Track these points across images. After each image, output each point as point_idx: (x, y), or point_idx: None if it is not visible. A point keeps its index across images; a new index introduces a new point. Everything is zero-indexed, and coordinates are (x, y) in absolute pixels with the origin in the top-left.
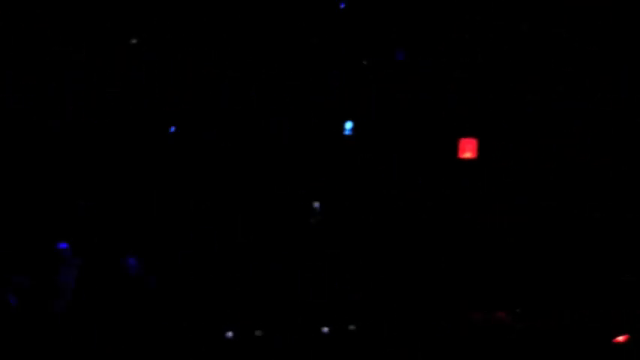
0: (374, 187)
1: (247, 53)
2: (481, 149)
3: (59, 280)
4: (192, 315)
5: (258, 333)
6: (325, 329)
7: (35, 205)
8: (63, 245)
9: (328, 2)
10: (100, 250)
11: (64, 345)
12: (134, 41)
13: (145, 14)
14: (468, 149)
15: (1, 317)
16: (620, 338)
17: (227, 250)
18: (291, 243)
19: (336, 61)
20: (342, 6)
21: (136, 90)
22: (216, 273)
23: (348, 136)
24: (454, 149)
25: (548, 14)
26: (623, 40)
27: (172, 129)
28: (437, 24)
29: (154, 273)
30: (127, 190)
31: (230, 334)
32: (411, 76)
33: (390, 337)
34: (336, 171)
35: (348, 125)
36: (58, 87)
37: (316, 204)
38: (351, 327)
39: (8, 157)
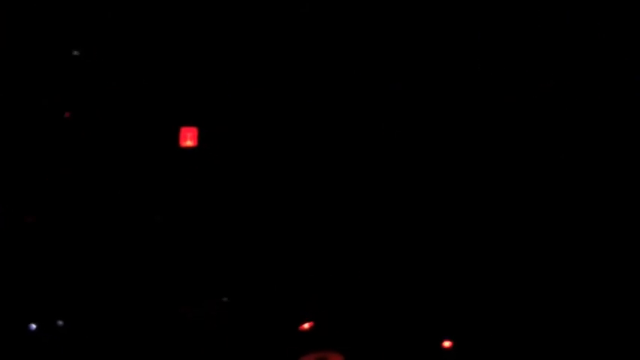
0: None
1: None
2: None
3: None
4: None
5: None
6: None
7: (34, 205)
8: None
9: None
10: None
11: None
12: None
13: (144, 14)
14: (188, 137)
15: None
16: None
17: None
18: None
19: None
20: None
21: (136, 90)
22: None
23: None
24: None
25: (548, 14)
26: (623, 40)
27: None
28: (436, 24)
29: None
30: (127, 190)
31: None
32: (410, 75)
33: None
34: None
35: None
36: (57, 87)
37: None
38: None
39: (8, 157)
